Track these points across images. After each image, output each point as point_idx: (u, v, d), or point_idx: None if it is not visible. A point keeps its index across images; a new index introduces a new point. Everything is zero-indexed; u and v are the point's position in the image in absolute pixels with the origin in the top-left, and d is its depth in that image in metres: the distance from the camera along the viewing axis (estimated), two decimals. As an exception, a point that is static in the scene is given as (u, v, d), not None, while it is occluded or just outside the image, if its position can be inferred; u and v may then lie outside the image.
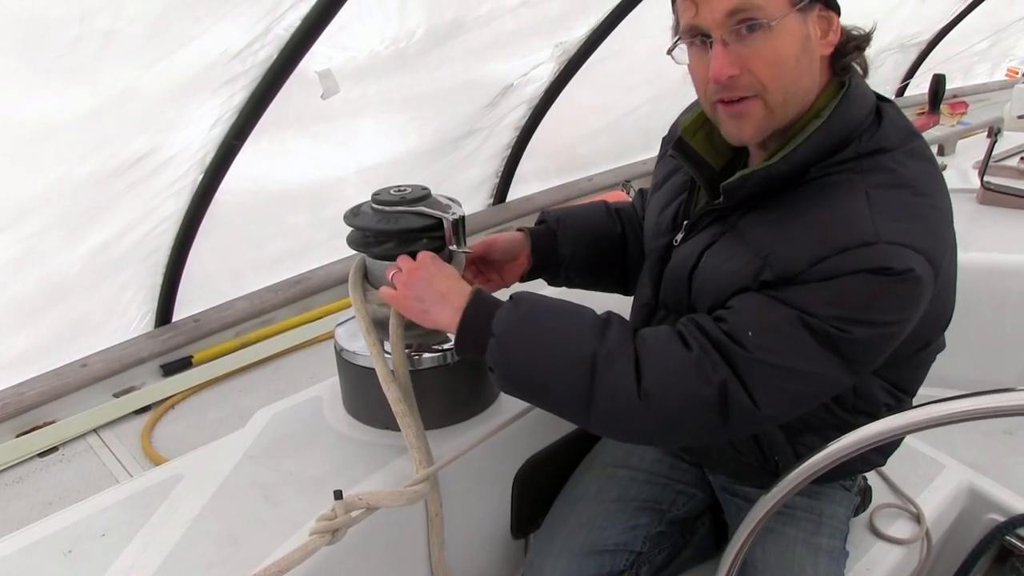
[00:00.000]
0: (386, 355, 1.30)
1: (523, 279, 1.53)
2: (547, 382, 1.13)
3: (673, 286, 1.28)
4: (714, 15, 1.06)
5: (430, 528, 1.35)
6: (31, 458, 2.59)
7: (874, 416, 1.25)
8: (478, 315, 1.16)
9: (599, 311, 1.19)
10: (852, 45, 1.08)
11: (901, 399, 1.29)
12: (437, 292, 1.20)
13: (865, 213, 1.04)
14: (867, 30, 1.13)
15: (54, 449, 2.64)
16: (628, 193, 4.22)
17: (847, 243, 1.02)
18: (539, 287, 1.43)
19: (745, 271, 1.11)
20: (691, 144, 1.26)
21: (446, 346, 1.36)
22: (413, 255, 1.29)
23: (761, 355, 1.05)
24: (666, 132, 1.48)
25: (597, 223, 1.57)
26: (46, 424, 2.70)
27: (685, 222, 1.29)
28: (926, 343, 1.23)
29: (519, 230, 1.52)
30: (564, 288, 1.60)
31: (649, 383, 1.08)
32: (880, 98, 1.16)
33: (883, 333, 1.06)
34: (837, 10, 1.06)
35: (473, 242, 1.38)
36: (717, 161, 1.27)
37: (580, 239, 1.53)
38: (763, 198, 1.15)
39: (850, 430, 1.25)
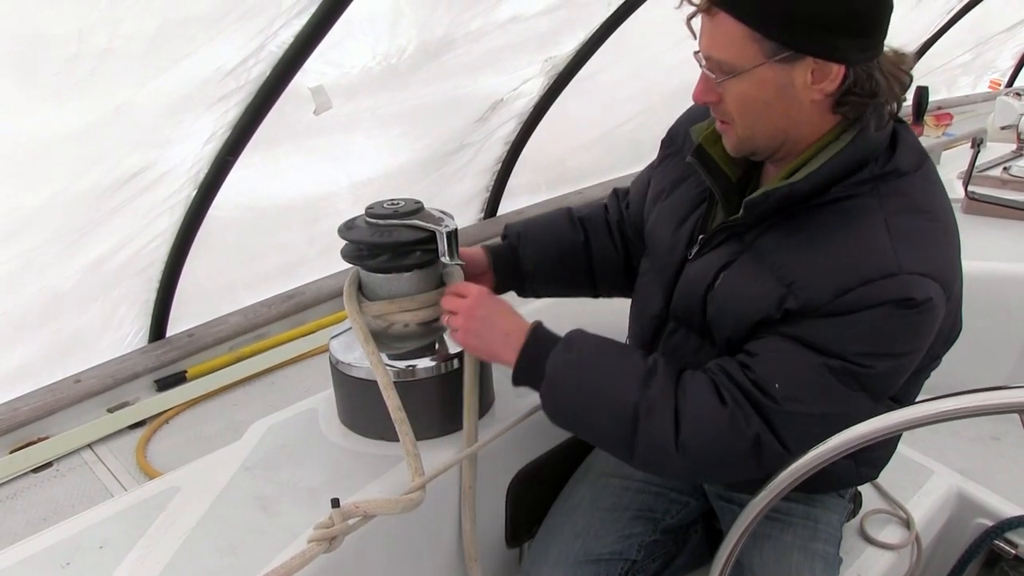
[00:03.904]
0: (387, 366, 1.32)
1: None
2: (592, 425, 1.22)
3: (686, 301, 1.29)
4: (701, 50, 1.12)
5: (463, 503, 1.40)
6: (25, 474, 2.57)
7: None
8: (535, 354, 1.23)
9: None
10: (854, 95, 1.09)
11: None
12: (501, 332, 1.27)
13: (886, 242, 1.06)
14: (894, 80, 1.11)
15: (48, 464, 2.63)
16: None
17: (871, 275, 1.05)
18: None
19: (768, 299, 1.13)
20: (711, 153, 1.27)
21: (441, 357, 1.38)
22: (409, 268, 1.31)
23: (790, 406, 1.10)
24: (664, 135, 1.50)
25: (559, 235, 1.58)
26: (40, 440, 2.69)
27: (700, 236, 1.30)
28: (933, 358, 1.26)
29: (484, 247, 1.54)
30: None
31: (686, 436, 1.14)
32: (895, 119, 1.18)
33: (903, 363, 1.11)
34: (842, 60, 1.05)
35: None
36: (734, 172, 1.28)
37: (542, 255, 1.56)
38: (781, 218, 1.16)
39: None
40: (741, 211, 1.18)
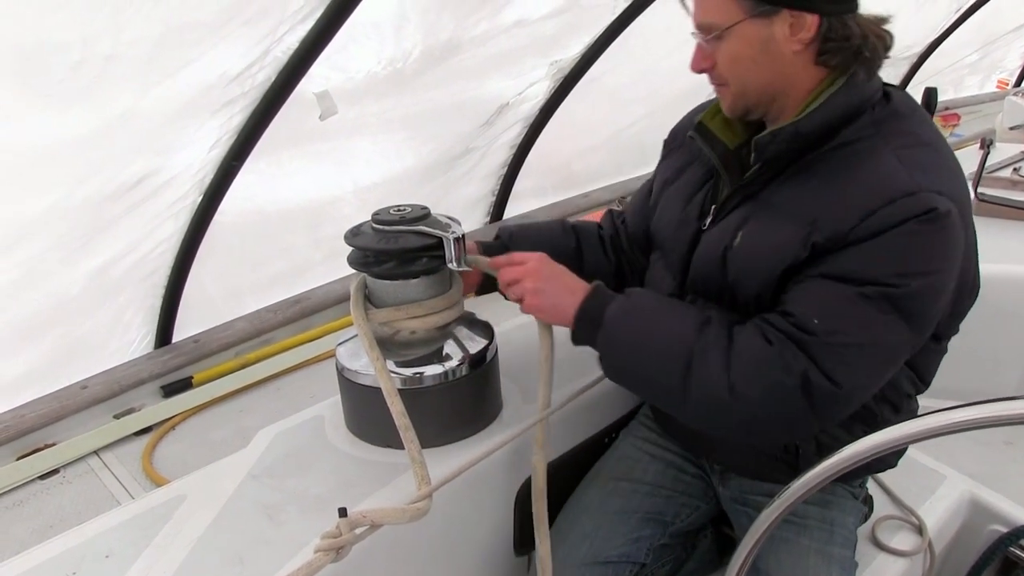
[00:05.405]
0: (392, 374, 1.31)
1: (477, 292, 1.56)
2: (647, 370, 1.24)
3: (704, 270, 1.33)
4: (693, 21, 1.25)
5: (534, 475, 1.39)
6: (32, 481, 2.57)
7: (896, 406, 1.32)
8: (595, 306, 1.27)
9: None
10: (831, 41, 1.18)
11: (919, 389, 1.37)
12: (567, 288, 1.31)
13: (900, 169, 1.13)
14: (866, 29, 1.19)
15: (55, 471, 2.62)
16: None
17: (892, 195, 1.11)
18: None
19: (792, 241, 1.17)
20: (709, 127, 1.35)
21: (448, 364, 1.37)
22: (416, 274, 1.31)
23: (831, 339, 1.13)
24: (667, 136, 1.58)
25: (551, 239, 1.61)
26: (47, 446, 2.69)
27: (713, 207, 1.35)
28: (958, 308, 1.28)
29: (476, 242, 1.55)
30: None
31: (736, 376, 1.16)
32: (887, 85, 1.26)
33: (936, 282, 1.14)
34: (815, 10, 1.15)
35: None
36: (732, 140, 1.35)
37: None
38: (793, 169, 1.23)
39: (873, 421, 1.30)
40: (752, 155, 1.25)
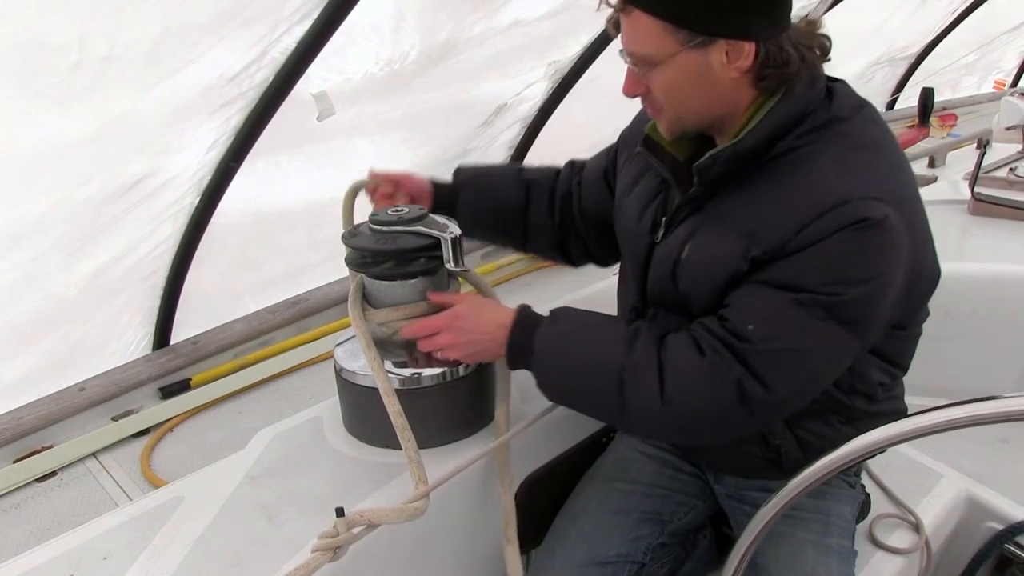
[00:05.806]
0: (389, 374, 1.31)
1: None
2: (582, 393, 1.26)
3: (660, 282, 1.33)
4: (624, 47, 1.20)
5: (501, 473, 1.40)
6: (29, 483, 2.58)
7: (871, 396, 1.32)
8: (523, 335, 1.27)
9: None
10: (769, 68, 1.15)
11: (895, 375, 1.35)
12: (486, 334, 1.29)
13: (833, 177, 1.12)
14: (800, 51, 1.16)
15: (53, 474, 2.63)
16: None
17: (824, 206, 1.10)
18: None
19: (734, 253, 1.17)
20: (656, 140, 1.33)
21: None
22: (413, 275, 1.31)
23: (765, 345, 1.13)
24: (618, 139, 1.57)
25: (501, 190, 1.62)
26: (44, 449, 2.69)
27: (664, 219, 1.34)
28: (917, 297, 1.27)
29: (431, 181, 1.60)
30: None
31: (670, 391, 1.17)
32: (830, 79, 1.24)
33: (874, 288, 1.13)
34: (751, 36, 1.12)
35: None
36: (681, 153, 1.33)
37: (480, 207, 1.59)
38: (735, 182, 1.22)
39: (848, 413, 1.29)
40: (694, 180, 1.23)
